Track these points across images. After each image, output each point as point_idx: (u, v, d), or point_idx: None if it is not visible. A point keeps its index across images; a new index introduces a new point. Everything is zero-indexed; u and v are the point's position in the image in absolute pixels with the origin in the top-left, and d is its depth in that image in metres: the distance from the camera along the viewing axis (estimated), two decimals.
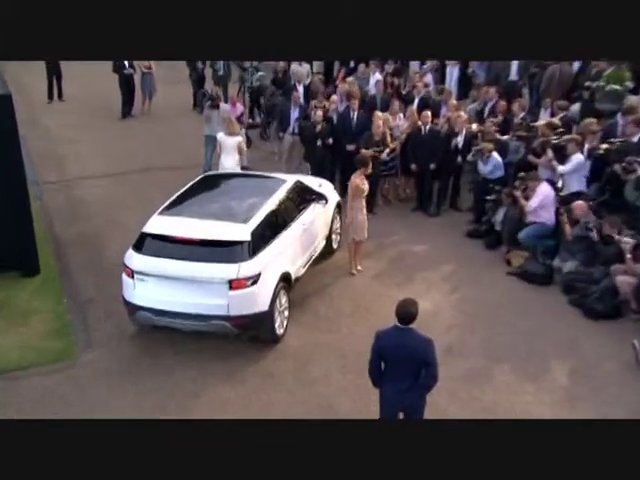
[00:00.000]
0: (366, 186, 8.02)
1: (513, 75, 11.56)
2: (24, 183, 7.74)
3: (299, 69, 12.74)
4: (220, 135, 9.66)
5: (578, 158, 8.38)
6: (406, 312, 4.67)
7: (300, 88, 11.91)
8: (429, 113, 9.87)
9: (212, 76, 14.45)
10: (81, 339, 6.95)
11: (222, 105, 11.04)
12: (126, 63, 13.81)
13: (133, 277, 6.56)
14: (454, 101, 10.51)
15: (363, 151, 9.07)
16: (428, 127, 9.80)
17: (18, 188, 7.58)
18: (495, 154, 9.09)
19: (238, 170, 9.50)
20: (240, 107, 11.97)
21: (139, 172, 11.42)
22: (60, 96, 15.31)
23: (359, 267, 8.29)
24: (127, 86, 14.07)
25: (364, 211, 8.11)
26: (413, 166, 9.92)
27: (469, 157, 9.43)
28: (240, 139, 9.72)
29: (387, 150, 9.66)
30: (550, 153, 8.57)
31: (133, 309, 6.65)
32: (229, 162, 9.44)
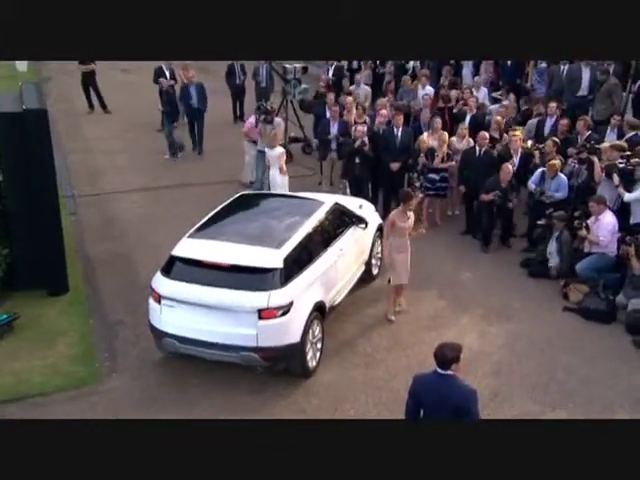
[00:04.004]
0: (408, 223, 7.36)
1: (583, 90, 11.03)
2: (56, 198, 7.86)
3: (357, 91, 12.61)
4: (266, 148, 10.01)
5: None
6: (442, 354, 4.48)
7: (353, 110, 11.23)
8: (487, 135, 9.58)
9: (254, 88, 14.55)
10: (106, 364, 6.94)
11: (276, 120, 11.09)
12: (167, 74, 14.03)
13: (160, 302, 6.51)
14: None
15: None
16: (483, 150, 9.49)
17: (49, 204, 7.68)
18: (561, 175, 8.84)
19: (285, 181, 9.74)
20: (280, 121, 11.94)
21: (175, 187, 11.52)
22: (104, 107, 15.68)
23: (398, 309, 7.72)
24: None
25: (406, 252, 7.41)
26: (462, 187, 9.67)
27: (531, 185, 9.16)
28: (281, 150, 9.92)
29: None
30: (616, 179, 8.14)
31: (159, 335, 6.60)
32: (275, 174, 9.79)
